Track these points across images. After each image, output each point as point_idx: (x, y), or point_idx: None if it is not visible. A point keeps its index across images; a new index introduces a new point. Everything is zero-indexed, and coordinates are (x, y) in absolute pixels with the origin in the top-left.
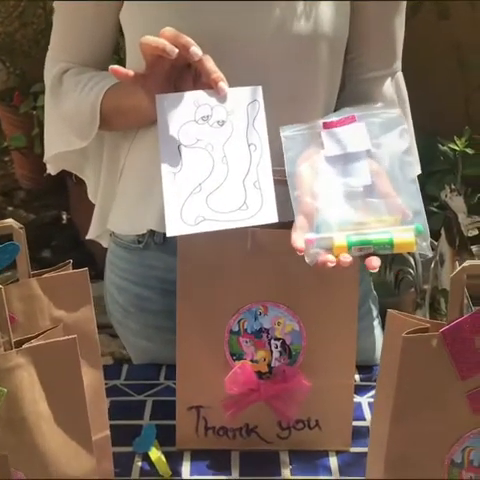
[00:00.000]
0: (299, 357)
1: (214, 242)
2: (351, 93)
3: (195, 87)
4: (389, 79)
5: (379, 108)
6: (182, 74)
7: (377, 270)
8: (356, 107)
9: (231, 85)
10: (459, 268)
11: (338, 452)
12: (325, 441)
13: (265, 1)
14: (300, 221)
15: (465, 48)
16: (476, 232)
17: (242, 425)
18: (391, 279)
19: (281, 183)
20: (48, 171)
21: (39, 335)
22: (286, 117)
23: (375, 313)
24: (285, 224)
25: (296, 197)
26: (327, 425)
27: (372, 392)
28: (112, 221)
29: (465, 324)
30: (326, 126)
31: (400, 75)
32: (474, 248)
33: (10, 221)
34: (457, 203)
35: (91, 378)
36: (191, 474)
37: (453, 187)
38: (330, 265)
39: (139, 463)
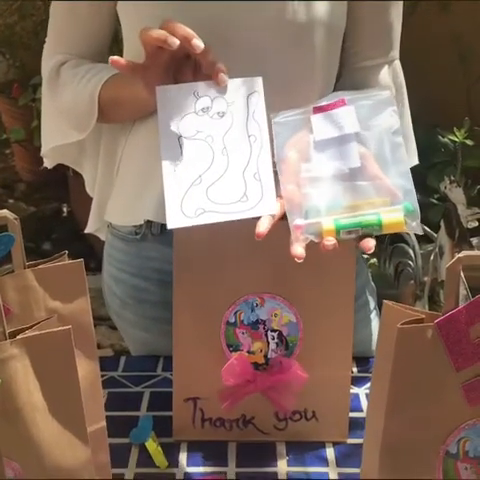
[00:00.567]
0: (296, 348)
1: (210, 234)
2: (347, 81)
3: (195, 78)
4: (386, 67)
5: (369, 90)
6: (181, 65)
7: (372, 251)
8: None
9: (228, 73)
10: (455, 259)
11: (335, 443)
12: (322, 432)
13: None
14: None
15: (465, 40)
16: (476, 224)
17: (239, 416)
18: (391, 271)
19: None
20: (45, 165)
21: (34, 326)
22: (283, 104)
23: (373, 305)
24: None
25: (281, 179)
26: (324, 416)
27: (369, 383)
28: (109, 212)
29: (460, 315)
30: (316, 110)
31: (398, 64)
32: (474, 240)
33: (4, 212)
34: (457, 195)
35: (87, 369)
36: (188, 465)
37: (453, 178)
38: (298, 260)
39: (136, 454)
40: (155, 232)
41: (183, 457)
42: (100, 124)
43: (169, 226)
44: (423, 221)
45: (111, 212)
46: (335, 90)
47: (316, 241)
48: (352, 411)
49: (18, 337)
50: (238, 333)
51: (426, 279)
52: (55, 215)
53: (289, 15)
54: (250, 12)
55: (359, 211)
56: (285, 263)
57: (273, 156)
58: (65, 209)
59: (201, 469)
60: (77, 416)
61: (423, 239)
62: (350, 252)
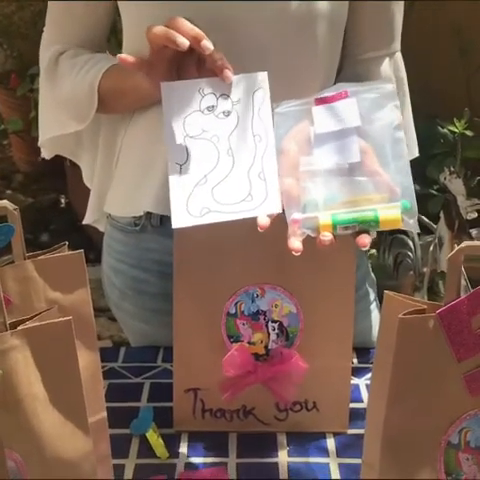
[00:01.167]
0: (296, 339)
1: (210, 225)
2: (349, 74)
3: (198, 72)
4: (387, 59)
5: (373, 83)
6: (185, 59)
7: (368, 247)
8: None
9: (231, 66)
10: (456, 249)
11: (335, 434)
12: (322, 423)
13: None
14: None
15: (465, 31)
16: (475, 215)
17: (239, 407)
18: (390, 262)
19: None
20: (42, 155)
21: (34, 317)
22: (285, 97)
23: (373, 296)
24: None
25: (279, 170)
26: (324, 407)
27: (370, 374)
28: (109, 203)
29: (462, 305)
30: (318, 102)
31: (399, 56)
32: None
33: (4, 202)
34: (456, 186)
35: (87, 360)
36: (188, 456)
37: (452, 169)
38: (295, 253)
39: (136, 445)
40: (154, 223)
41: (184, 448)
42: (98, 115)
43: (174, 225)
44: (422, 212)
45: (110, 203)
46: (336, 83)
47: (313, 235)
48: (352, 402)
49: (19, 328)
50: (239, 324)
51: (425, 270)
52: (53, 206)
53: (292, 8)
54: (252, 6)
55: (357, 207)
56: (285, 254)
57: None
58: (63, 200)
59: (202, 460)
60: (78, 407)
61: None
62: (350, 243)
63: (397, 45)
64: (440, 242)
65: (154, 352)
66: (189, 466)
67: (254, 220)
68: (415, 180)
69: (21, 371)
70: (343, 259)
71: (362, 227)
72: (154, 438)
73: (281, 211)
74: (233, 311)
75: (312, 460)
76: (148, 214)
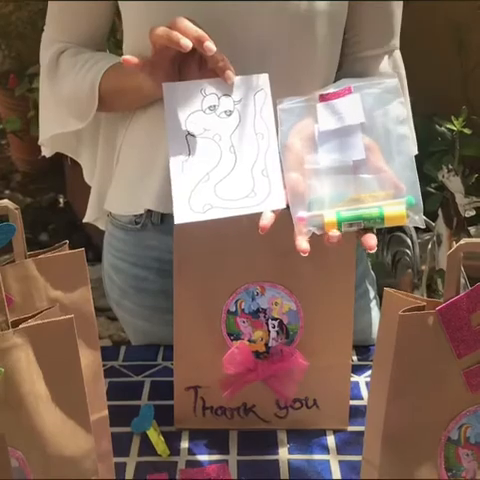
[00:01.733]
0: (296, 337)
1: (211, 223)
2: (348, 72)
3: (200, 71)
4: (386, 57)
5: (377, 78)
6: (187, 59)
7: (375, 250)
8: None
9: (233, 67)
10: (455, 246)
11: (335, 431)
12: (323, 420)
13: None
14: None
15: (463, 29)
16: (473, 213)
17: (240, 405)
18: (388, 260)
19: None
20: (43, 153)
21: (36, 315)
22: (286, 95)
23: (372, 294)
24: None
25: (284, 165)
26: (324, 404)
27: (369, 372)
28: (109, 201)
29: (461, 302)
30: (322, 98)
31: (398, 53)
32: (472, 229)
33: (5, 202)
34: (454, 183)
35: (89, 358)
36: (189, 453)
37: (450, 167)
38: (303, 254)
39: (137, 443)
40: (155, 221)
41: (185, 445)
42: (99, 113)
43: (177, 221)
44: None
45: (111, 201)
46: (336, 81)
47: (318, 233)
48: (352, 399)
49: (20, 326)
50: (239, 322)
51: (424, 268)
52: (52, 206)
53: (291, 7)
54: (252, 7)
55: (362, 204)
56: (286, 252)
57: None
58: (62, 200)
59: (203, 457)
60: (80, 405)
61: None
62: (350, 241)
63: (396, 43)
64: (438, 240)
65: (154, 350)
66: (190, 464)
67: (254, 218)
68: None
69: (23, 369)
70: (343, 257)
71: (367, 224)
72: (155, 436)
73: (285, 207)
74: (233, 309)
75: (312, 457)
76: (149, 212)
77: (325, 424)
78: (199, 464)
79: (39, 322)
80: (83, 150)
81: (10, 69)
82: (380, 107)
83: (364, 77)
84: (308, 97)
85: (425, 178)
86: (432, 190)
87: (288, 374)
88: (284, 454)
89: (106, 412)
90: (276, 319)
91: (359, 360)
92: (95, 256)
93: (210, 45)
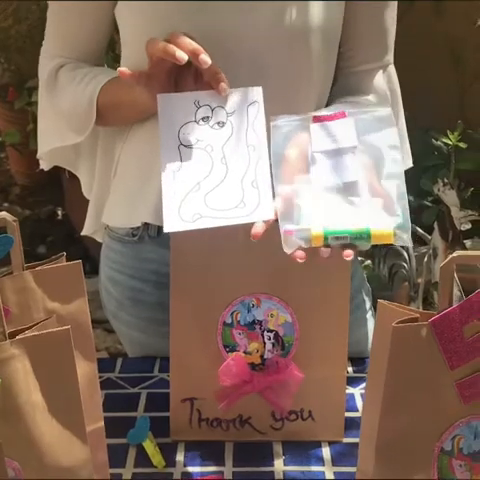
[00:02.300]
0: (292, 349)
1: (207, 235)
2: (342, 86)
3: (196, 85)
4: (381, 72)
5: (370, 106)
6: (183, 71)
7: (352, 258)
8: (348, 103)
9: (227, 80)
10: (448, 258)
11: (331, 443)
12: (318, 432)
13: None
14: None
15: (459, 43)
16: (469, 226)
17: (235, 416)
18: (385, 273)
19: None
20: (41, 166)
21: (33, 326)
22: (281, 111)
23: (368, 305)
24: None
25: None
26: (320, 416)
27: (364, 384)
28: (107, 214)
29: (454, 314)
30: (315, 119)
31: (392, 68)
32: (467, 242)
33: (4, 214)
34: (450, 197)
35: (85, 370)
36: (185, 465)
37: (446, 181)
38: (300, 260)
39: (133, 454)
40: (152, 234)
41: (180, 457)
42: (97, 127)
43: (165, 229)
44: (417, 223)
45: (108, 214)
46: (330, 95)
47: (305, 246)
48: (348, 411)
49: (18, 337)
50: (235, 334)
51: (420, 281)
52: (50, 218)
53: (286, 22)
54: (247, 21)
55: (350, 221)
56: (281, 264)
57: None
58: (60, 212)
59: (198, 469)
60: (76, 416)
61: (417, 241)
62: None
63: (390, 58)
64: (434, 253)
65: (151, 362)
66: (186, 475)
67: (249, 231)
68: (409, 191)
69: (20, 380)
70: (338, 269)
71: (353, 240)
72: (151, 447)
73: (273, 218)
74: (229, 321)
75: (308, 469)
76: (146, 225)
77: (320, 436)
78: (195, 475)
79: (36, 333)
80: (81, 163)
81: (9, 82)
82: (371, 134)
83: (358, 91)
84: (302, 117)
85: (421, 192)
86: (428, 203)
87: (283, 386)
88: (279, 465)
89: (102, 423)
90: (272, 331)
91: (355, 372)
92: (92, 268)
93: (205, 58)
